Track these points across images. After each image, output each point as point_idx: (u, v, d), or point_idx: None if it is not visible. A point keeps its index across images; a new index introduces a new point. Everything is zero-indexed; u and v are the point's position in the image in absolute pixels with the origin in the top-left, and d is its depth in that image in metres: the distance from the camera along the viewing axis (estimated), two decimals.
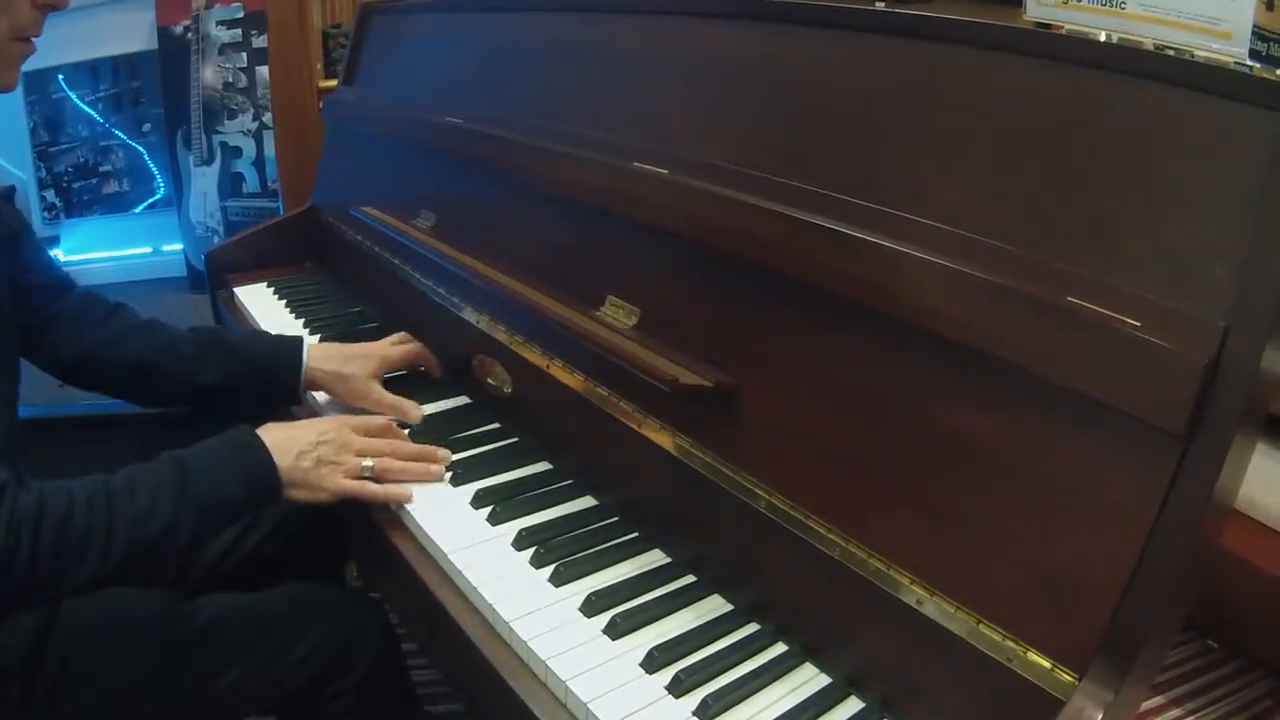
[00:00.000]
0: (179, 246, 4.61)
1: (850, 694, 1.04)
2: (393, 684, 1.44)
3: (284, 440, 1.29)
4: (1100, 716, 0.80)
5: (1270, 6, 1.44)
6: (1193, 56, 1.06)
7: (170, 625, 1.30)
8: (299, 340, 1.60)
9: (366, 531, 1.37)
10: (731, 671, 1.06)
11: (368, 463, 1.34)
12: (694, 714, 1.00)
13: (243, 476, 1.24)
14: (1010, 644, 0.88)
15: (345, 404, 1.58)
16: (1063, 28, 1.13)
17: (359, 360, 1.59)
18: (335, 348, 1.63)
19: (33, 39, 1.26)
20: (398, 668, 1.46)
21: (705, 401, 1.18)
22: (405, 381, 1.69)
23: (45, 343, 1.47)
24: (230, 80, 4.24)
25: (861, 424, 1.05)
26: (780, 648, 1.10)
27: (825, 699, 1.03)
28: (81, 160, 4.70)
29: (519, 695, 1.06)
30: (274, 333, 1.67)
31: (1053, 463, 0.89)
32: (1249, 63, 1.18)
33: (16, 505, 1.06)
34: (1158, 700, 1.35)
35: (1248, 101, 0.83)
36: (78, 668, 1.23)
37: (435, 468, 1.39)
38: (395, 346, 1.67)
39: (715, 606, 1.16)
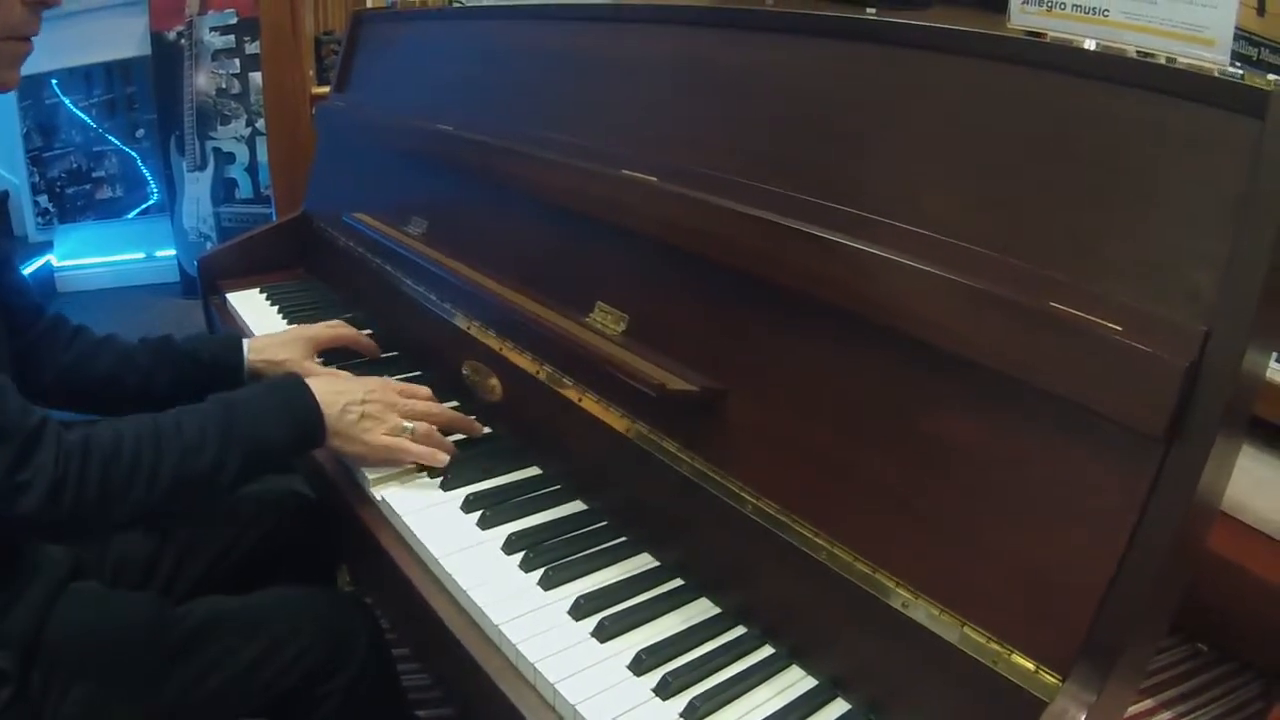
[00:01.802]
0: (172, 252, 4.62)
1: (837, 696, 1.04)
2: (383, 686, 1.44)
3: (331, 391, 1.37)
4: (1083, 718, 0.81)
5: (1261, 12, 1.44)
6: (1175, 63, 1.07)
7: (162, 627, 1.30)
8: (238, 338, 1.69)
9: (358, 535, 1.38)
10: (719, 674, 1.06)
11: (409, 425, 1.40)
12: (681, 716, 1.00)
13: (289, 419, 1.31)
14: (995, 646, 0.89)
15: None
16: (1046, 36, 1.14)
17: (290, 345, 1.70)
18: (268, 338, 1.73)
19: (31, 39, 1.25)
20: (388, 670, 1.46)
21: (692, 407, 1.19)
22: None
23: (28, 367, 1.48)
24: (223, 86, 4.24)
25: (847, 428, 1.05)
26: (767, 650, 1.10)
27: (812, 701, 1.03)
28: (75, 166, 4.70)
29: (508, 698, 1.06)
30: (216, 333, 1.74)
31: (1036, 466, 0.89)
32: (1235, 68, 1.19)
33: (63, 437, 1.11)
34: (1148, 703, 1.36)
35: (1228, 107, 0.84)
36: (70, 669, 1.23)
37: (478, 426, 1.51)
38: (323, 326, 1.79)
39: (703, 609, 1.17)
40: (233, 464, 1.23)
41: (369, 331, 1.95)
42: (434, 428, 1.43)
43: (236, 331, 1.71)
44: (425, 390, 1.50)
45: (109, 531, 1.26)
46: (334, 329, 1.79)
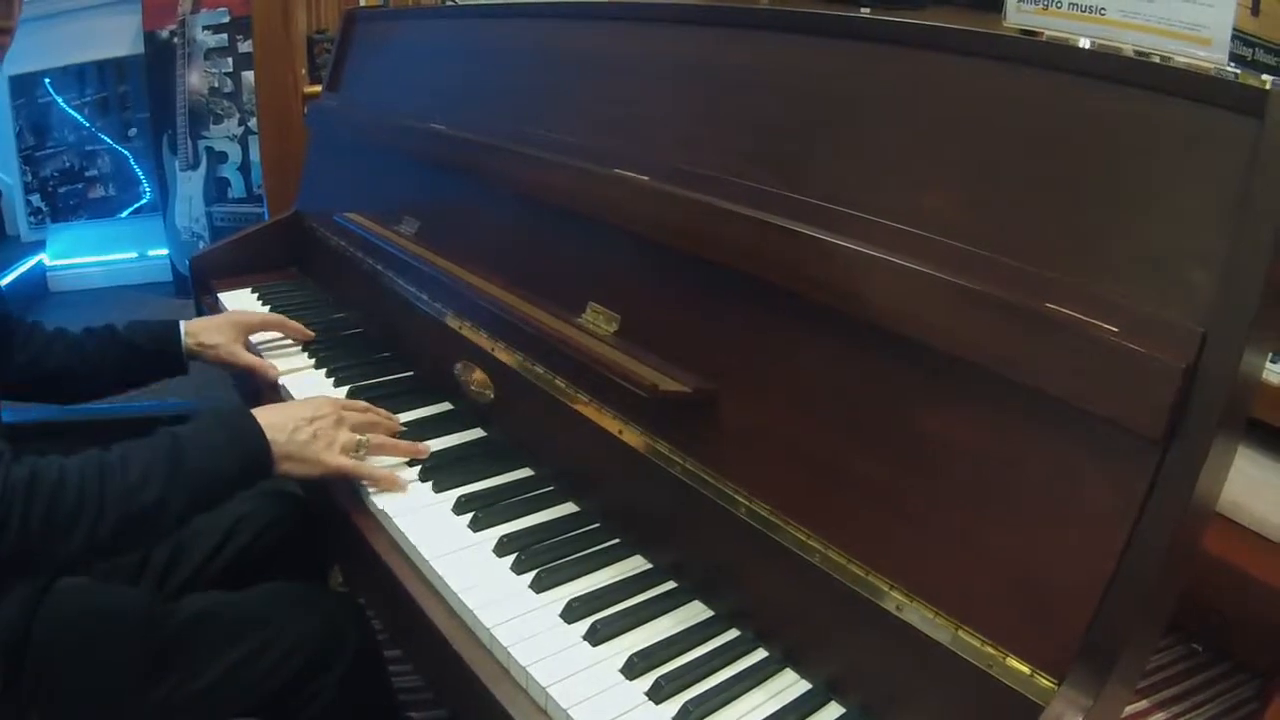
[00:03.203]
0: (164, 251, 4.62)
1: (830, 700, 1.04)
2: (372, 685, 1.43)
3: (278, 416, 1.35)
4: None
5: (1255, 12, 1.44)
6: (1171, 62, 1.06)
7: (152, 623, 1.30)
8: (175, 323, 1.75)
9: (349, 537, 1.37)
10: (712, 677, 1.06)
11: (361, 438, 1.40)
12: None
13: (236, 450, 1.28)
14: (990, 650, 0.88)
15: (217, 365, 1.78)
16: (1043, 34, 1.13)
17: (224, 329, 1.79)
18: (203, 321, 1.82)
19: (10, 32, 1.24)
20: (377, 669, 1.46)
21: (685, 408, 1.18)
22: (392, 389, 1.70)
23: None
24: (216, 85, 4.23)
25: (841, 430, 1.04)
26: (761, 654, 1.10)
27: (806, 705, 1.03)
28: (68, 165, 4.70)
29: (499, 701, 1.05)
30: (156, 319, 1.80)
31: (1032, 468, 0.89)
32: (1231, 68, 1.18)
33: (10, 475, 1.08)
34: (1143, 704, 1.35)
35: (1225, 106, 0.83)
36: (59, 665, 1.23)
37: (423, 446, 1.47)
38: (256, 313, 1.94)
39: (696, 613, 1.16)
40: (178, 499, 1.20)
41: (359, 329, 1.98)
42: (385, 438, 1.44)
43: (174, 318, 1.77)
44: (363, 405, 1.49)
45: (55, 569, 1.24)
46: (265, 315, 1.89)
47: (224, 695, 1.31)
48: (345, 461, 1.36)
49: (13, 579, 1.25)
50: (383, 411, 1.50)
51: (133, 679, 1.26)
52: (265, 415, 1.33)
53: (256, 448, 1.30)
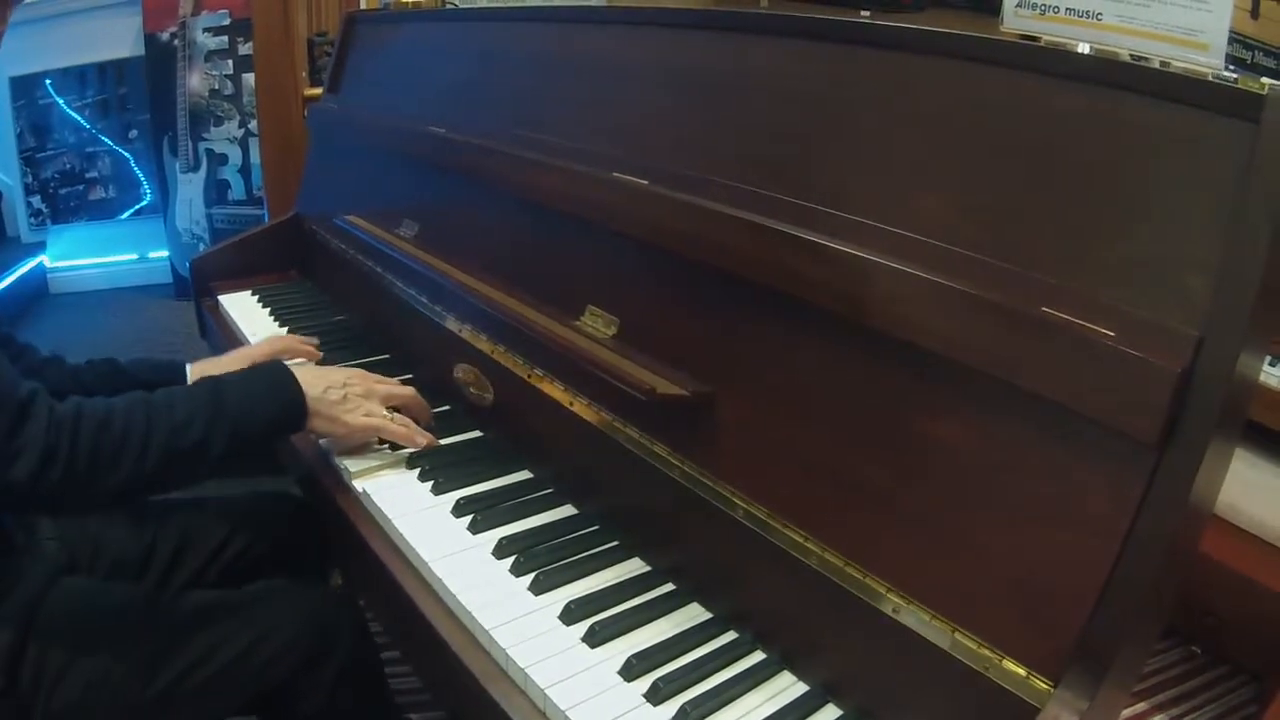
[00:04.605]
0: (165, 253, 4.62)
1: (828, 701, 1.04)
2: (370, 685, 1.44)
3: (314, 375, 1.43)
4: None
5: (1255, 15, 1.44)
6: (1169, 67, 1.06)
7: (150, 620, 1.31)
8: (181, 363, 1.68)
9: (349, 539, 1.37)
10: (709, 679, 1.06)
11: (387, 414, 1.47)
12: None
13: (273, 399, 1.36)
14: (986, 652, 0.88)
15: None
16: (1041, 39, 1.13)
17: (230, 365, 1.69)
18: (209, 361, 1.74)
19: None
20: (373, 667, 1.47)
21: (683, 411, 1.18)
22: None
23: None
24: (216, 87, 4.24)
25: (838, 433, 1.05)
26: (758, 655, 1.10)
27: (803, 706, 1.03)
28: (68, 166, 4.70)
29: (498, 702, 1.06)
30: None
31: (1028, 471, 0.89)
32: (1229, 72, 1.19)
33: (54, 408, 1.14)
34: (1141, 706, 1.35)
35: (1221, 111, 0.84)
36: (59, 662, 1.23)
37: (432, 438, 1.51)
38: (263, 343, 1.83)
39: (694, 615, 1.16)
40: (219, 440, 1.25)
41: (359, 332, 1.97)
42: (411, 422, 1.48)
43: (180, 359, 1.72)
44: (395, 382, 1.54)
45: (98, 503, 1.27)
46: (272, 343, 1.83)
47: (220, 690, 1.31)
48: (368, 420, 1.43)
49: (17, 573, 1.27)
50: (415, 393, 1.54)
51: (131, 674, 1.26)
52: (301, 373, 1.40)
53: (293, 396, 1.37)
